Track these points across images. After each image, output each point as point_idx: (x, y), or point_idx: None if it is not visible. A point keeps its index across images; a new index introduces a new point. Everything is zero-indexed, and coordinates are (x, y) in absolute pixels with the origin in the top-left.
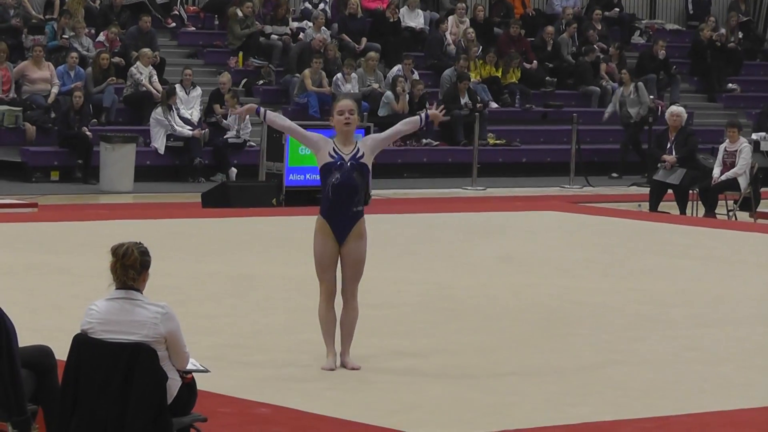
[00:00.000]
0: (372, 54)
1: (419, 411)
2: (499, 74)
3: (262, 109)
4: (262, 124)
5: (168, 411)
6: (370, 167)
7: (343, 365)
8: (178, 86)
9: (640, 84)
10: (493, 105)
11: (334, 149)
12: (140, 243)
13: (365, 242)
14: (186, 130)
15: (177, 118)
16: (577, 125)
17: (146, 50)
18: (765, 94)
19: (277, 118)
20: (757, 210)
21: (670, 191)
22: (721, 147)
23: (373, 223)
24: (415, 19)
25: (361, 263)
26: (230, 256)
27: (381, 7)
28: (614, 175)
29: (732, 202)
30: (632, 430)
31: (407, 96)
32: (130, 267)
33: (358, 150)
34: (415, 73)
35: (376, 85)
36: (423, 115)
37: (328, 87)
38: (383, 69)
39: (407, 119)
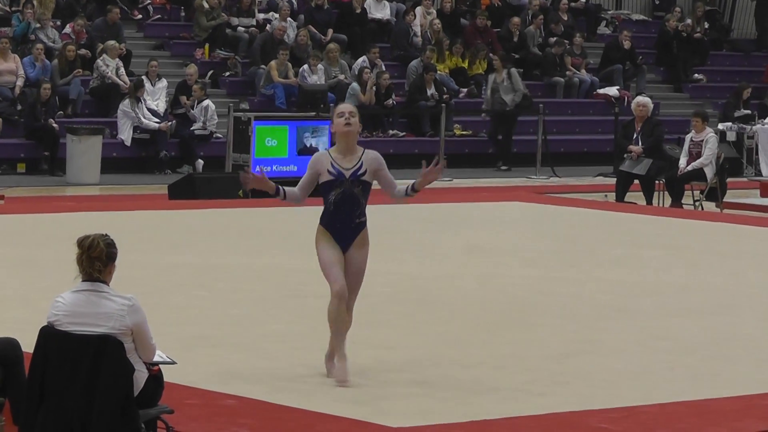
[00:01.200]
0: (331, 46)
1: (387, 402)
2: (466, 65)
3: (281, 191)
4: (228, 115)
5: (135, 403)
6: (371, 185)
7: (328, 370)
8: (144, 78)
9: (513, 70)
10: (462, 90)
11: (332, 164)
12: (106, 235)
13: (367, 251)
14: (153, 123)
15: (145, 110)
16: (544, 116)
17: (113, 43)
18: (731, 85)
19: (292, 191)
20: (723, 200)
21: (636, 182)
22: (687, 137)
23: None
24: (381, 10)
25: (361, 273)
26: (197, 248)
27: None
28: (503, 167)
29: (698, 192)
30: (599, 420)
31: (374, 88)
32: (96, 259)
33: (361, 165)
34: (381, 63)
35: (341, 76)
36: (410, 187)
37: (294, 78)
38: (349, 60)
39: (399, 188)
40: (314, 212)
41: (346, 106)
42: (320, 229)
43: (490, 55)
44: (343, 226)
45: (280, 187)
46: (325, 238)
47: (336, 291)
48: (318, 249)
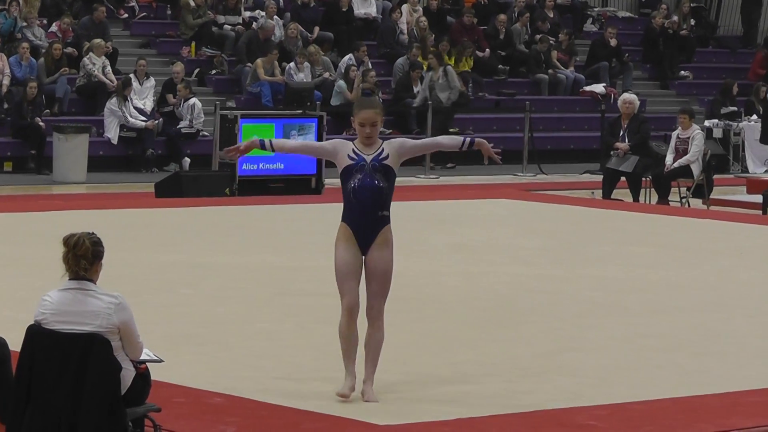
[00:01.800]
0: (311, 49)
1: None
2: (452, 62)
3: (266, 141)
4: (215, 113)
5: (122, 401)
6: (396, 171)
7: (362, 393)
8: (132, 76)
9: (449, 68)
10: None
11: (353, 150)
12: (93, 233)
13: (392, 251)
14: (139, 122)
15: (132, 109)
16: (530, 113)
17: (99, 41)
18: (717, 81)
19: (284, 144)
20: (710, 197)
21: (623, 179)
22: (674, 134)
23: (327, 212)
24: (367, 8)
25: (387, 275)
26: (184, 246)
27: None
28: (450, 165)
29: (685, 189)
30: (586, 418)
31: (361, 85)
32: (81, 257)
33: (382, 150)
34: (368, 61)
35: (326, 74)
36: (468, 139)
37: (280, 76)
38: (336, 58)
39: (450, 136)
40: (302, 210)
41: (367, 116)
42: (342, 226)
43: (429, 56)
44: (365, 218)
45: (263, 140)
46: (345, 239)
47: (346, 305)
48: (335, 253)
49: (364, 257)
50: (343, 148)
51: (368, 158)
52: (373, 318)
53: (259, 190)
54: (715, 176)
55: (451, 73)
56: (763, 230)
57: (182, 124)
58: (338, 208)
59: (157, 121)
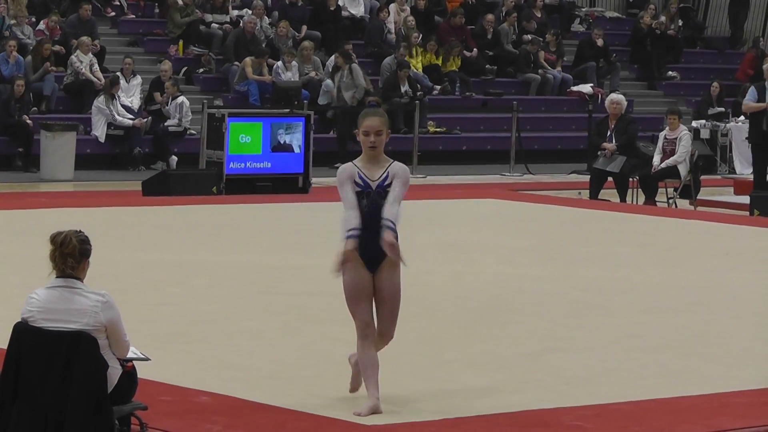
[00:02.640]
0: (306, 44)
1: (360, 399)
2: (440, 62)
3: (355, 234)
4: (202, 111)
5: (108, 399)
6: None
7: (350, 388)
8: (118, 74)
9: (354, 66)
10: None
11: (359, 175)
12: (80, 231)
13: (400, 272)
14: (127, 120)
15: (119, 107)
16: (517, 113)
17: (85, 38)
18: (705, 82)
19: (356, 226)
20: (697, 197)
21: (610, 179)
22: (661, 135)
23: (313, 211)
24: (355, 7)
25: (397, 297)
26: (171, 245)
27: None
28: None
29: (672, 189)
30: (573, 418)
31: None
32: (68, 255)
33: (387, 176)
34: (355, 60)
35: (313, 73)
36: (385, 227)
37: (268, 75)
38: (323, 57)
39: (388, 219)
40: (290, 209)
41: (372, 124)
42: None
43: (335, 54)
44: (373, 242)
45: (352, 236)
46: (353, 261)
47: (360, 325)
48: (344, 275)
49: (373, 276)
50: (351, 177)
51: (373, 184)
52: (385, 341)
53: (246, 189)
54: (703, 177)
55: (357, 71)
56: (750, 231)
57: (170, 122)
58: (325, 207)
59: (145, 120)
